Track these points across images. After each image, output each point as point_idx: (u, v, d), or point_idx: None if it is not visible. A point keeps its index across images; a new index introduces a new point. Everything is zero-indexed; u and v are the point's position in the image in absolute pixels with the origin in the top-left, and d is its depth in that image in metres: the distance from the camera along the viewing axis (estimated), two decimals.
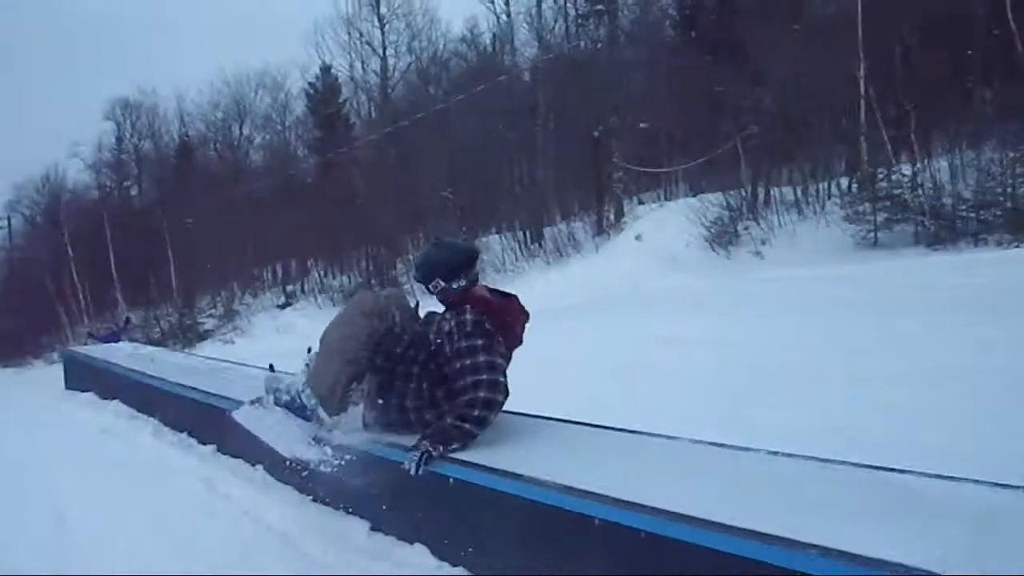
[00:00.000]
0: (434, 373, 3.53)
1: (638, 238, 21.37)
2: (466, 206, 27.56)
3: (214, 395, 5.51)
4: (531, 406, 3.82)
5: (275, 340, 24.43)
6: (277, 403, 3.71)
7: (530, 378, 3.63)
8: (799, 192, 20.27)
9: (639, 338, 8.84)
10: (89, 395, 8.79)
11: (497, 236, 26.17)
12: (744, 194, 20.98)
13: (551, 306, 16.45)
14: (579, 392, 5.94)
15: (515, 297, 3.75)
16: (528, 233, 25.17)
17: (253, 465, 4.69)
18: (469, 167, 27.49)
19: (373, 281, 26.77)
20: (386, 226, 27.05)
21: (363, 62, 30.20)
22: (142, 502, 4.50)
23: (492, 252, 24.66)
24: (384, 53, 29.83)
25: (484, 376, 3.32)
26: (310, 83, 34.85)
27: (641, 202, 24.94)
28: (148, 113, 41.47)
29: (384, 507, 3.55)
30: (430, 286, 3.65)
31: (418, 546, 3.29)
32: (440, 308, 3.72)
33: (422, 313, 3.91)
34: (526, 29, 29.57)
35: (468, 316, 3.46)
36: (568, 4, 28.49)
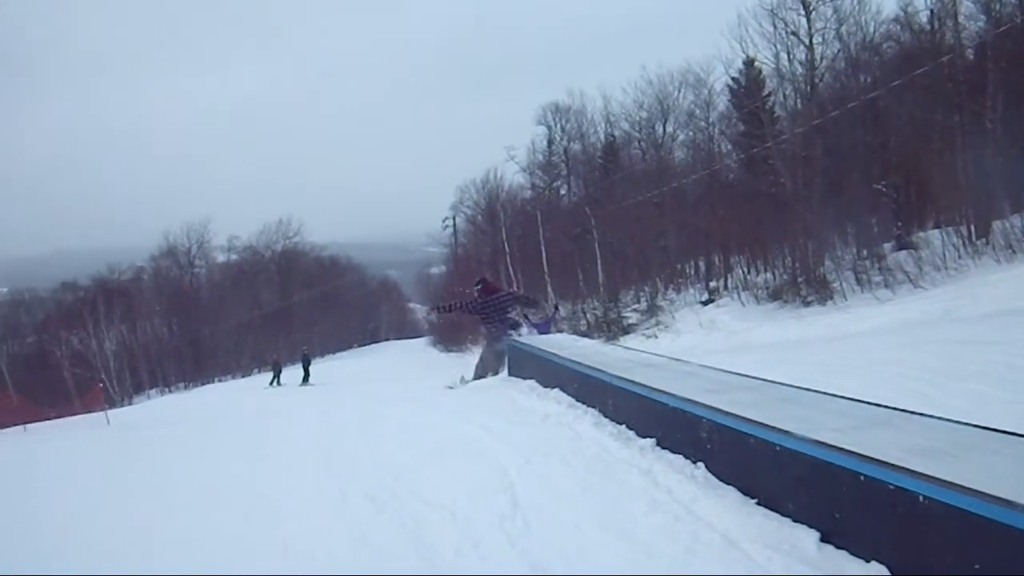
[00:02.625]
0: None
1: None
2: (901, 199, 25.92)
3: (655, 389, 5.56)
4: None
5: (698, 336, 24.53)
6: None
7: None
8: None
9: None
10: (530, 382, 9.06)
11: (937, 231, 24.29)
12: None
13: (1012, 307, 14.86)
14: None
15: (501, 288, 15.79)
16: (973, 228, 23.00)
17: (694, 462, 4.67)
18: (905, 157, 25.82)
19: (800, 279, 26.00)
20: (813, 221, 26.21)
21: (788, 52, 29.18)
22: (585, 488, 4.68)
23: (932, 248, 22.93)
24: (811, 42, 28.67)
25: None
26: (733, 78, 34.65)
27: None
28: (576, 116, 44.44)
29: None
30: (474, 288, 14.59)
31: (875, 564, 3.11)
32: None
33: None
34: (970, 1, 26.91)
35: (478, 298, 14.15)
36: None
